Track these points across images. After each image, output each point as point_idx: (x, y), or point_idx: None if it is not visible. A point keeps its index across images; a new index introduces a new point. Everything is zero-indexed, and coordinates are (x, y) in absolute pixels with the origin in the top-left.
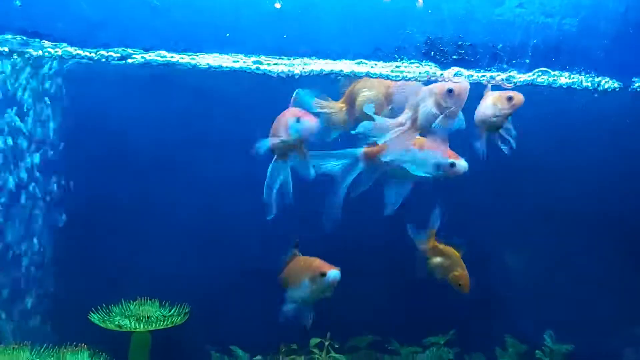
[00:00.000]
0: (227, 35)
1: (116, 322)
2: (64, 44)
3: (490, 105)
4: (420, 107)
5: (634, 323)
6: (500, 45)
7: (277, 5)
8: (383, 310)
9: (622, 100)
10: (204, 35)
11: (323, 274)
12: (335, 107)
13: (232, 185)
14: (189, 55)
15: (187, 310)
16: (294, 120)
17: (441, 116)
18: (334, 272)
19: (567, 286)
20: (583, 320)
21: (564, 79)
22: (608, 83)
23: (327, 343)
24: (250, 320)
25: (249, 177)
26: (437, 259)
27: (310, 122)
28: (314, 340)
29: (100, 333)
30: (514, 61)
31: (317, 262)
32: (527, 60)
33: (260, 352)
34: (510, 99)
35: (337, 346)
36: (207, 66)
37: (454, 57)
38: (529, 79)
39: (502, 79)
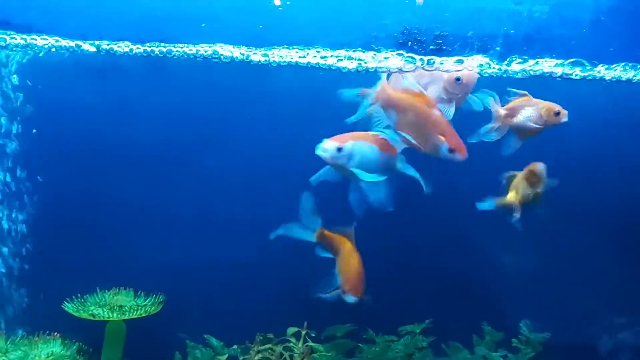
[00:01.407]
0: (203, 25)
1: (90, 312)
2: (27, 34)
3: (536, 115)
4: (429, 89)
5: (611, 312)
6: (471, 32)
7: (277, 2)
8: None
9: (593, 88)
10: (179, 24)
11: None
12: None
13: (209, 176)
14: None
15: (161, 299)
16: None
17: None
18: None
19: (546, 275)
20: (560, 309)
21: (536, 66)
22: (578, 71)
23: (303, 332)
24: (227, 310)
25: (225, 167)
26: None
27: None
28: (291, 330)
29: (77, 322)
30: (491, 50)
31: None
32: (498, 48)
33: (236, 342)
34: (557, 113)
35: (313, 335)
36: (182, 54)
37: (432, 47)
38: (502, 67)
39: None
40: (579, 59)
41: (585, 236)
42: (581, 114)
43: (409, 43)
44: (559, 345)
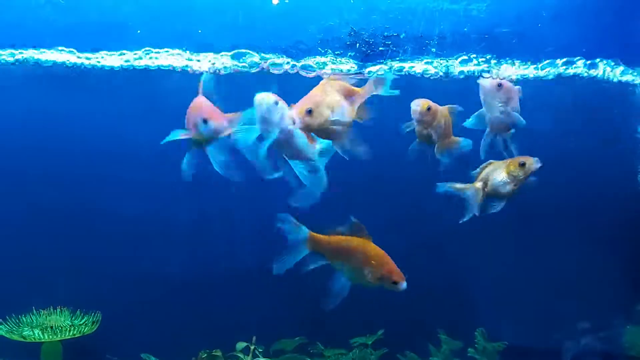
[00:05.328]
0: (138, 31)
1: (21, 333)
2: None
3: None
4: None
5: (570, 319)
6: (404, 33)
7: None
8: (313, 311)
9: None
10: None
11: (395, 282)
12: None
13: (143, 189)
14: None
15: (98, 319)
16: (202, 122)
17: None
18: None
19: (504, 283)
20: (518, 317)
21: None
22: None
23: (252, 347)
24: (170, 328)
25: (153, 176)
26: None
27: (218, 124)
28: (240, 345)
29: (16, 343)
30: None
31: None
32: (433, 49)
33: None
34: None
35: (260, 350)
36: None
37: (381, 48)
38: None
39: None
40: None
41: (544, 243)
42: None
43: (357, 45)
44: (517, 354)
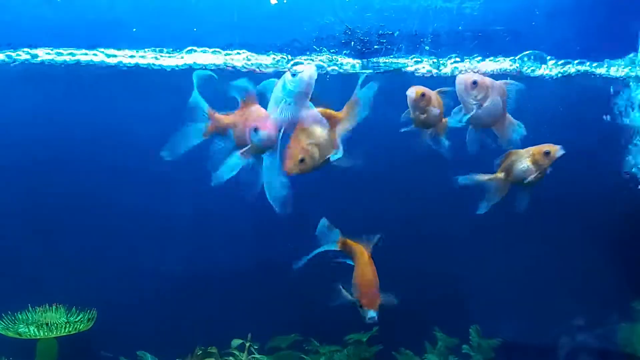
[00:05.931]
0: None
1: (17, 330)
2: None
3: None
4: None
5: (565, 316)
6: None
7: (274, 1)
8: (308, 308)
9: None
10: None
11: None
12: None
13: (139, 186)
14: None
15: (93, 316)
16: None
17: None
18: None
19: (500, 280)
20: (513, 314)
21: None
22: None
23: (247, 345)
24: (165, 325)
25: (160, 175)
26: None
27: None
28: (236, 342)
29: (11, 340)
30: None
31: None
32: (427, 47)
33: (177, 356)
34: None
35: (256, 347)
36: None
37: (375, 46)
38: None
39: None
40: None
41: (539, 241)
42: None
43: (352, 43)
44: (512, 350)
